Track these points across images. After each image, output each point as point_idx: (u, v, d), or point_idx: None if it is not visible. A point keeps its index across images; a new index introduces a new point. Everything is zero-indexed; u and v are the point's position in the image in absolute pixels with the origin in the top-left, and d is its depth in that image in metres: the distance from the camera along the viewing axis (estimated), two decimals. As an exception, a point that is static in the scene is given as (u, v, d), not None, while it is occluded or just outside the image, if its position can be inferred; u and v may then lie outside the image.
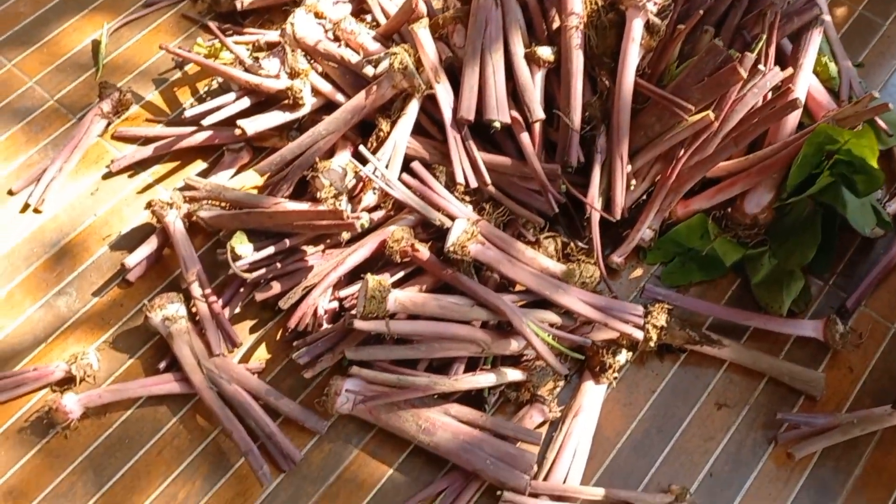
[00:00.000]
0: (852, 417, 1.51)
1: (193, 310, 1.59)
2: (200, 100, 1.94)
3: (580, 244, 1.69)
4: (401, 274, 1.60)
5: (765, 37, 1.63)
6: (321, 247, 1.64)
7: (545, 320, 1.54)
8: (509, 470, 1.43)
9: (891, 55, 2.07)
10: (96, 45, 2.02)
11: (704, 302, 1.67)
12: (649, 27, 1.65)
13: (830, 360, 1.63)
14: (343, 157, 1.70)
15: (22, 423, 1.53)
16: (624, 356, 1.58)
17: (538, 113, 1.65)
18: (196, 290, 1.57)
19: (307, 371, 1.51)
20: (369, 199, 1.67)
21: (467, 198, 1.67)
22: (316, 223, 1.55)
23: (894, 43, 2.09)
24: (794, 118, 1.67)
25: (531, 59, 1.70)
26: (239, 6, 2.01)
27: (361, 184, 1.67)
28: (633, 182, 1.69)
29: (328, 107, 1.79)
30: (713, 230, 1.70)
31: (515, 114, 1.67)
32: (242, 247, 1.56)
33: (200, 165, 1.84)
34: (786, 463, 1.52)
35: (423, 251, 1.54)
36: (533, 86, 1.68)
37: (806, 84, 1.70)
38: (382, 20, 1.90)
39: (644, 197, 1.73)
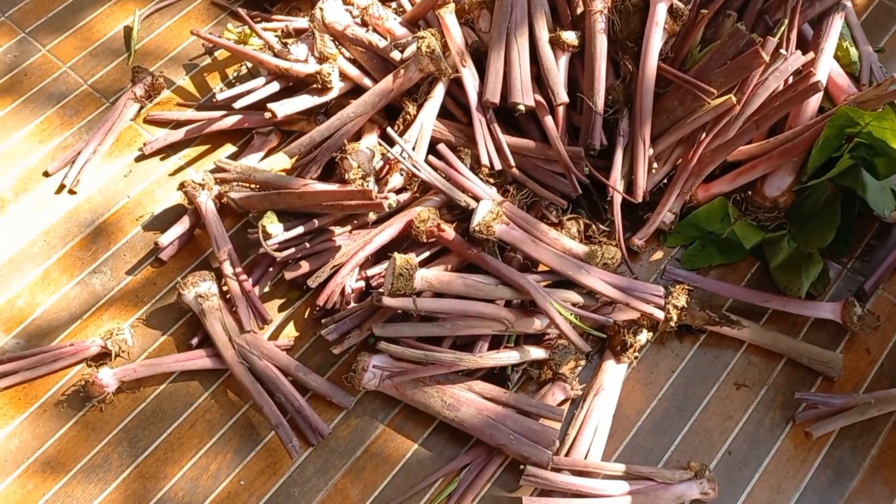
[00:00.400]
0: (869, 398, 1.53)
1: (224, 288, 1.63)
2: (230, 85, 1.99)
3: (602, 226, 1.71)
4: (426, 254, 1.64)
5: (787, 21, 1.65)
6: (349, 227, 1.68)
7: (568, 300, 1.57)
8: (532, 445, 1.46)
9: (911, 42, 2.08)
10: (128, 30, 2.07)
11: (724, 284, 1.69)
12: (673, 12, 1.67)
13: (848, 342, 1.65)
14: (370, 140, 1.74)
15: (59, 396, 1.58)
16: (644, 336, 1.61)
17: (562, 96, 1.67)
18: (227, 268, 1.62)
19: (335, 347, 1.55)
20: (396, 180, 1.71)
21: (492, 180, 1.70)
22: (345, 203, 1.58)
23: (915, 30, 2.10)
24: (814, 102, 1.68)
25: (556, 44, 1.72)
26: (267, -7, 2.05)
27: (388, 166, 1.70)
28: (655, 165, 1.71)
29: (355, 91, 1.83)
30: (733, 213, 1.72)
31: (539, 97, 1.70)
32: (273, 226, 1.60)
33: (230, 149, 1.89)
34: (803, 442, 1.54)
35: (449, 231, 1.58)
36: (557, 69, 1.71)
37: (827, 68, 1.72)
38: (408, 6, 1.93)
39: (665, 180, 1.76)
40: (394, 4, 1.99)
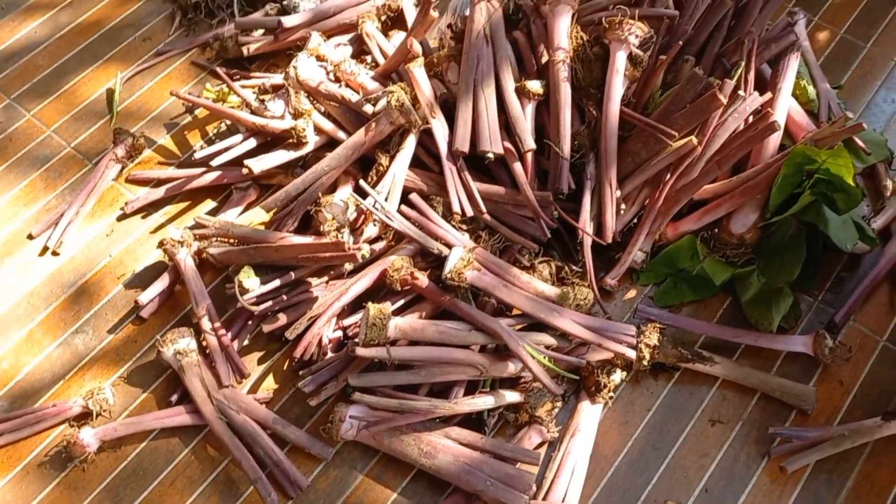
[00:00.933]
0: (843, 430, 1.55)
1: (204, 343, 1.66)
2: (210, 142, 2.03)
3: (574, 267, 1.74)
4: (401, 302, 1.67)
5: (743, 64, 1.70)
6: (325, 278, 1.72)
7: (541, 342, 1.59)
8: (509, 490, 1.47)
9: (872, 76, 2.13)
10: (111, 93, 2.12)
11: (696, 320, 1.72)
12: (632, 59, 1.72)
13: (821, 375, 1.67)
14: (345, 192, 1.78)
15: (42, 457, 1.60)
16: (619, 375, 1.63)
17: (529, 143, 1.72)
18: (206, 324, 1.64)
19: (312, 399, 1.58)
20: (370, 230, 1.75)
21: (464, 226, 1.73)
22: (319, 255, 1.62)
23: (875, 64, 2.15)
24: (774, 140, 1.73)
25: (521, 93, 1.77)
26: (246, 52, 2.10)
27: (363, 216, 1.74)
28: (623, 206, 1.75)
29: (330, 144, 1.88)
30: (702, 251, 1.75)
31: (508, 144, 1.74)
32: (249, 280, 1.63)
33: (210, 204, 1.93)
34: (779, 477, 1.55)
35: (422, 279, 1.61)
36: (524, 117, 1.76)
37: (785, 107, 1.77)
38: (381, 60, 1.99)
39: (635, 220, 1.79)
40: (369, 58, 2.05)
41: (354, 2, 2.13)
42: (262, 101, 1.92)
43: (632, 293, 1.79)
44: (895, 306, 1.76)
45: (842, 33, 2.22)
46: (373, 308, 1.51)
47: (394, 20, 2.20)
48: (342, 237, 1.67)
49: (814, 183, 1.60)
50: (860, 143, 1.76)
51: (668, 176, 1.70)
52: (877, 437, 1.56)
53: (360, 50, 2.11)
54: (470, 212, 1.71)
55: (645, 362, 1.61)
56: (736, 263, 1.74)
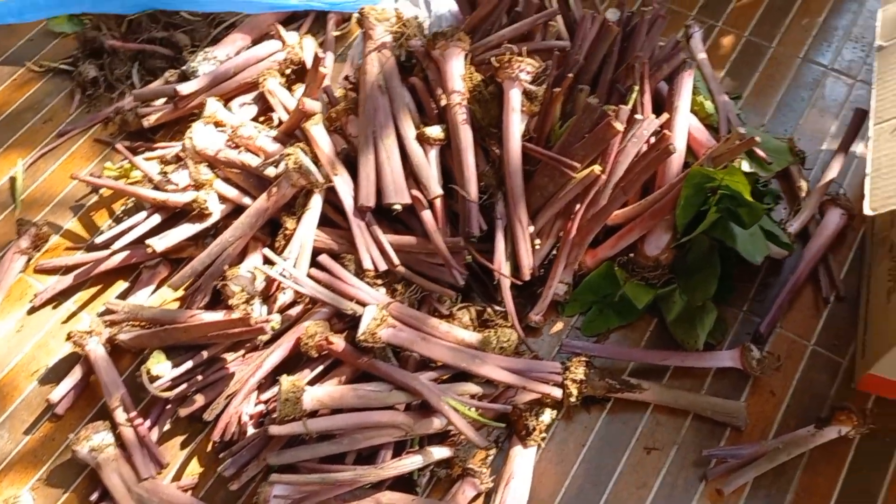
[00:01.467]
0: (777, 443, 1.53)
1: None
2: (118, 220, 1.98)
3: (498, 308, 1.71)
4: (321, 368, 1.63)
5: (637, 88, 1.70)
6: (241, 352, 1.67)
7: (466, 392, 1.56)
8: (447, 550, 1.44)
9: (780, 76, 2.14)
10: (13, 181, 2.07)
11: (622, 348, 1.70)
12: (528, 94, 1.71)
13: (752, 388, 1.65)
14: (253, 260, 1.74)
15: (-35, 576, 1.54)
16: (548, 416, 1.60)
17: (435, 190, 1.70)
18: (119, 415, 1.59)
19: (233, 483, 1.52)
20: (285, 297, 1.70)
21: (379, 281, 1.70)
22: (228, 332, 1.57)
23: (782, 64, 2.17)
24: (678, 160, 1.72)
25: (422, 140, 1.75)
26: (146, 124, 2.06)
27: (276, 283, 1.70)
28: (538, 241, 1.73)
29: (238, 211, 1.84)
30: (621, 276, 1.73)
31: (416, 193, 1.72)
32: (159, 366, 1.58)
33: (122, 286, 1.87)
34: (718, 500, 1.53)
35: (338, 343, 1.57)
36: (428, 164, 1.73)
37: (684, 126, 1.76)
38: (286, 116, 1.96)
39: (553, 253, 1.77)
40: (275, 116, 2.02)
41: (254, 59, 2.11)
42: (165, 174, 1.88)
43: (559, 326, 1.77)
44: (820, 308, 1.76)
45: (746, 36, 2.23)
46: (285, 382, 1.47)
47: (298, 73, 2.18)
48: (253, 309, 1.63)
49: (718, 199, 1.59)
50: (762, 153, 1.76)
51: (578, 206, 1.69)
52: (812, 447, 1.54)
53: (266, 108, 2.08)
54: (383, 266, 1.68)
55: (573, 399, 1.59)
56: (656, 285, 1.72)
